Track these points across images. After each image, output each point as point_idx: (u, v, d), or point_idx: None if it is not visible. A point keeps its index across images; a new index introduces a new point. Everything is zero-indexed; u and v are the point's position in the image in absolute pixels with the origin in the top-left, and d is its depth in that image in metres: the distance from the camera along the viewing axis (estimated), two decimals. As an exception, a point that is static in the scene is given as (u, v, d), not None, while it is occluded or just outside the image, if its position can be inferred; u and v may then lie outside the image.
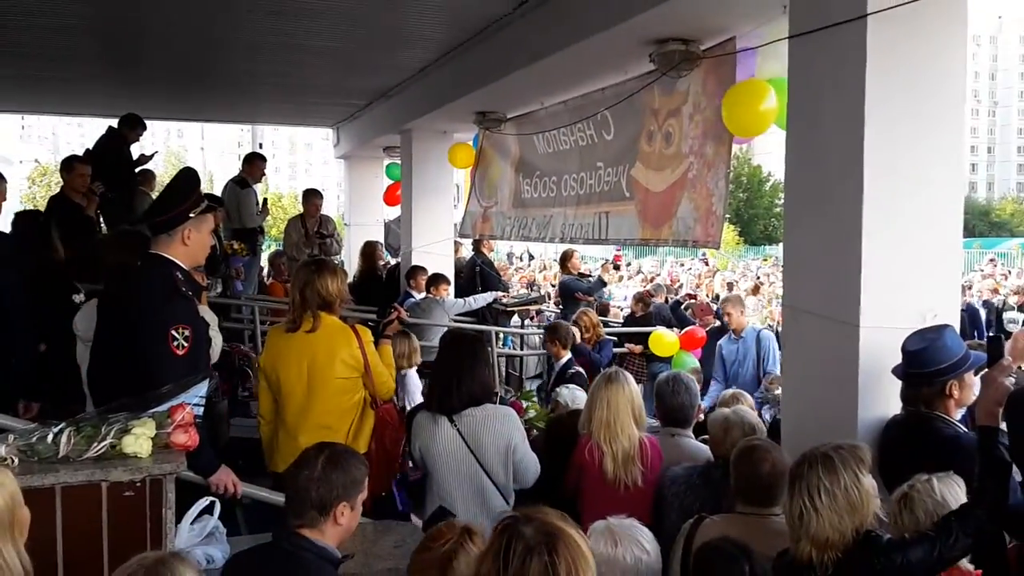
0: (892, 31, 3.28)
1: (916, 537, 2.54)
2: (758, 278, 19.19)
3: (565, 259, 10.37)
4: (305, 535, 2.53)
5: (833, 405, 3.48)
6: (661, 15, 4.71)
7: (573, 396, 4.90)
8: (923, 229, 3.42)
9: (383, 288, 9.95)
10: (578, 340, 7.16)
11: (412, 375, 5.67)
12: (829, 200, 3.52)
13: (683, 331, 8.39)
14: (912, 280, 3.40)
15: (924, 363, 3.20)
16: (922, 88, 3.38)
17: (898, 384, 3.32)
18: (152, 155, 9.36)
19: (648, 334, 8.38)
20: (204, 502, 2.97)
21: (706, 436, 4.12)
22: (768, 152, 38.69)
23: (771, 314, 13.41)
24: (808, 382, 3.68)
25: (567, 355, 6.51)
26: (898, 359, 3.28)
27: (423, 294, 8.67)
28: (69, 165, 7.38)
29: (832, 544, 2.49)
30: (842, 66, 3.42)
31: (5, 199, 4.26)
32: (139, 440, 2.73)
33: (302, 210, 10.33)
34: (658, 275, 20.60)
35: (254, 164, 9.52)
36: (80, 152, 8.16)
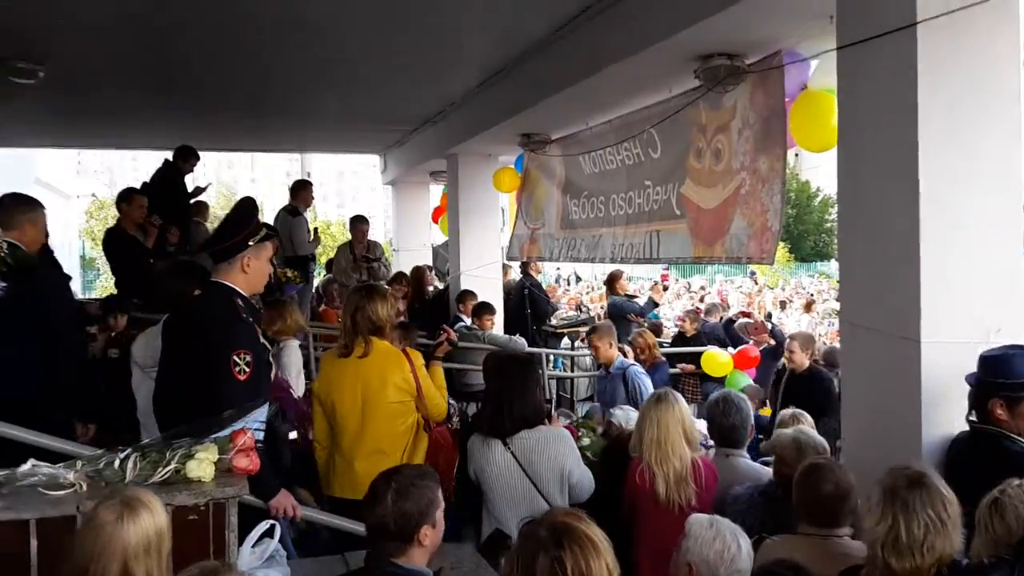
0: (943, 36, 3.22)
1: (995, 561, 2.48)
2: (811, 295, 18.91)
3: (612, 280, 10.33)
4: (394, 561, 2.56)
5: (896, 423, 3.40)
6: (705, 31, 4.70)
7: (627, 417, 4.86)
8: (983, 239, 3.33)
9: (432, 312, 10.01)
10: (632, 360, 7.11)
11: (291, 346, 5.50)
12: (884, 212, 3.45)
13: (736, 350, 8.28)
14: (974, 293, 3.31)
15: (1006, 373, 3.11)
16: (976, 92, 3.30)
17: (962, 400, 3.23)
18: (206, 187, 9.58)
19: (700, 354, 8.29)
20: (264, 525, 3.00)
21: (767, 457, 4.06)
22: (815, 166, 38.12)
23: (829, 333, 13.18)
24: (869, 400, 3.60)
25: (618, 354, 6.40)
26: (961, 375, 3.20)
27: (471, 319, 8.70)
28: (127, 197, 7.57)
29: (920, 569, 2.44)
30: (893, 75, 3.36)
31: (47, 228, 4.39)
32: (202, 465, 2.78)
33: (350, 236, 10.47)
34: (708, 293, 20.38)
35: (304, 191, 9.69)
36: (135, 185, 8.37)
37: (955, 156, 3.28)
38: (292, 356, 5.44)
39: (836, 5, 3.75)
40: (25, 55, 6.58)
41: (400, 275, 10.27)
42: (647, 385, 6.27)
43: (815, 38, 4.51)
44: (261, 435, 3.30)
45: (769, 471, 3.96)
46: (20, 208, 4.21)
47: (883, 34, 3.37)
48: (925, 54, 3.24)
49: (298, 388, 5.27)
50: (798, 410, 4.97)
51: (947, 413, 3.27)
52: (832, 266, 31.84)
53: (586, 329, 11.72)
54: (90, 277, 25.41)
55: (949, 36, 3.23)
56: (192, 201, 9.21)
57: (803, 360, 6.72)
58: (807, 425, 4.36)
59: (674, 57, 5.22)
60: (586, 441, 4.79)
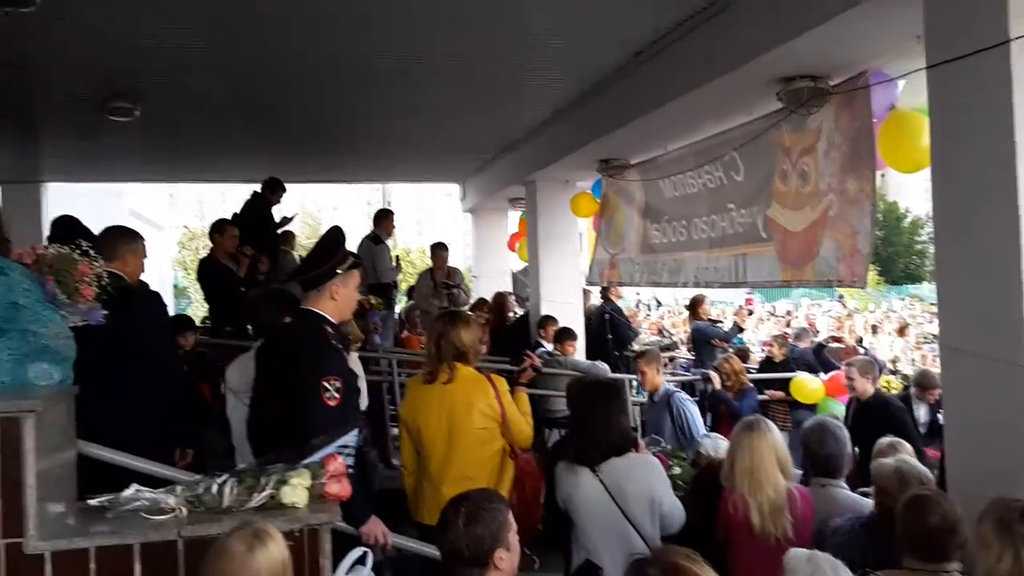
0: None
1: None
2: (904, 319, 18.26)
3: (695, 305, 10.19)
4: None
5: (1003, 452, 3.23)
6: (788, 53, 4.63)
7: (715, 445, 4.76)
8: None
9: (513, 338, 10.03)
10: (718, 384, 6.98)
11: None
12: (982, 232, 3.32)
13: (828, 376, 8.04)
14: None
15: None
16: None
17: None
18: (292, 216, 9.84)
19: (789, 380, 8.08)
20: (357, 552, 3.03)
21: (865, 488, 3.92)
22: (901, 187, 37.00)
23: (923, 358, 12.69)
24: (973, 428, 3.44)
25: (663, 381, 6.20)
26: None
27: (553, 344, 8.68)
28: (220, 228, 7.83)
29: None
30: (986, 93, 3.24)
31: (146, 256, 4.56)
32: (296, 490, 2.83)
33: (431, 263, 10.61)
34: (795, 317, 19.91)
35: (386, 220, 9.89)
36: (225, 216, 8.67)
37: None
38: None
39: (924, 24, 3.65)
40: (122, 95, 6.92)
41: (482, 301, 10.35)
42: (693, 413, 6.11)
43: (903, 57, 4.40)
44: (351, 460, 3.35)
45: (869, 502, 3.81)
46: (122, 239, 4.39)
47: (974, 52, 3.27)
48: (1020, 72, 3.12)
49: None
50: (896, 439, 4.78)
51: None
52: (924, 288, 30.74)
53: (667, 356, 11.62)
54: (182, 305, 26.34)
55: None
56: (280, 231, 9.48)
57: (866, 387, 6.36)
58: (907, 454, 4.18)
59: (756, 80, 5.16)
60: (677, 470, 4.71)
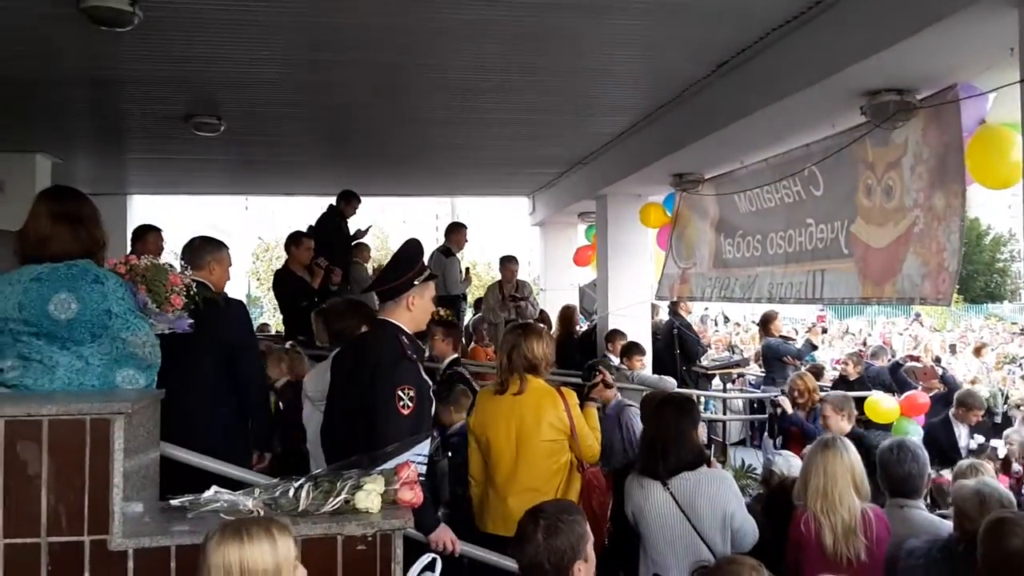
0: None
1: None
2: (981, 340, 17.61)
3: (767, 321, 10.00)
4: None
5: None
6: (872, 67, 4.54)
7: (788, 463, 4.67)
8: None
9: (580, 351, 10.00)
10: (789, 409, 6.81)
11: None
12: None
13: (903, 396, 7.79)
14: None
15: None
16: None
17: None
18: (367, 229, 9.99)
19: (864, 399, 7.85)
20: (426, 559, 3.05)
21: (943, 511, 3.79)
22: (983, 204, 35.82)
23: (1003, 380, 12.22)
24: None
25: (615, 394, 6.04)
26: None
27: (620, 359, 8.61)
28: (296, 239, 8.00)
29: None
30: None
31: (231, 264, 4.68)
32: (370, 496, 2.85)
33: (500, 276, 10.65)
34: (869, 335, 19.39)
35: (457, 233, 9.96)
36: (298, 227, 8.85)
37: None
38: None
39: (1019, 36, 3.54)
40: (207, 110, 7.15)
41: (543, 315, 10.34)
42: (638, 430, 5.81)
43: (993, 70, 4.28)
44: (423, 468, 3.37)
45: (948, 524, 3.70)
46: (208, 248, 4.52)
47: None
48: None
49: None
50: (977, 460, 4.62)
51: None
52: (1005, 308, 29.62)
53: (737, 372, 11.43)
54: (255, 315, 27.01)
55: None
56: (354, 243, 9.64)
57: (841, 425, 5.74)
58: (988, 476, 4.04)
59: (838, 95, 5.06)
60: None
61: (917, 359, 10.05)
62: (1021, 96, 3.56)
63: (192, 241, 4.57)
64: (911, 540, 3.58)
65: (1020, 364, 14.92)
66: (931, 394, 7.80)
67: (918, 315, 22.97)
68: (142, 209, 12.04)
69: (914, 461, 3.96)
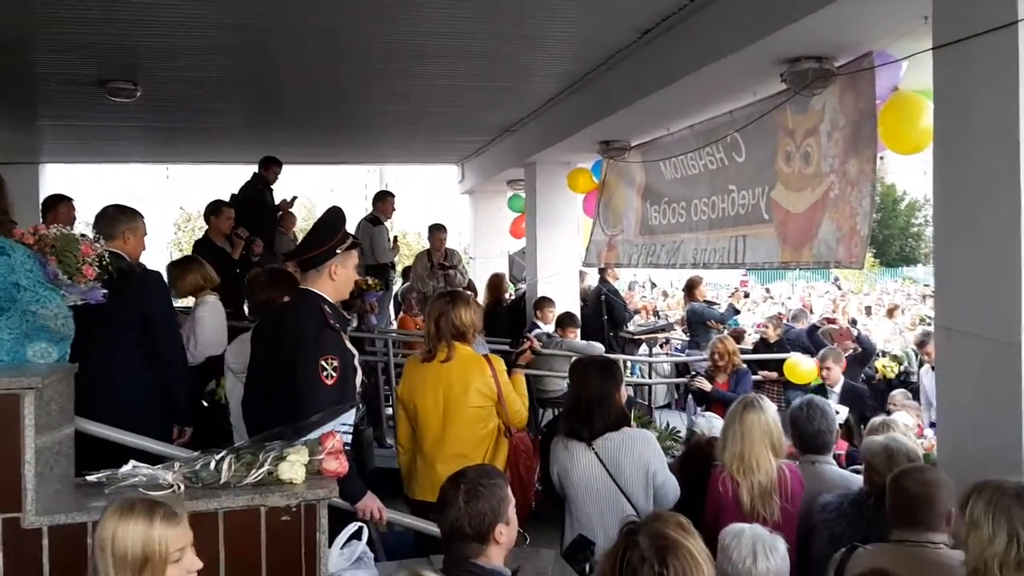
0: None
1: None
2: (894, 302, 18.25)
3: (692, 286, 10.20)
4: (474, 562, 2.59)
5: (994, 431, 3.25)
6: (793, 34, 4.60)
7: (710, 425, 4.79)
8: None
9: (509, 319, 10.05)
10: (707, 388, 6.98)
11: (207, 302, 5.22)
12: (983, 214, 3.32)
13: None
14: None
15: None
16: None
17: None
18: (293, 199, 9.81)
19: (783, 361, 8.10)
20: (353, 527, 3.05)
21: (857, 466, 3.95)
22: (897, 170, 37.00)
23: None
24: (965, 407, 3.46)
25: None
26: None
27: (550, 326, 8.69)
28: (216, 209, 7.79)
29: None
30: (992, 75, 3.24)
31: (146, 234, 4.55)
32: (294, 467, 2.83)
33: (428, 245, 10.61)
34: (790, 299, 19.93)
35: (385, 201, 9.87)
36: (223, 197, 8.63)
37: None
38: (203, 311, 5.18)
39: (932, 5, 3.64)
40: (123, 75, 6.88)
41: (470, 283, 10.36)
42: None
43: (908, 38, 4.38)
44: (348, 438, 3.36)
45: (858, 478, 3.85)
46: (122, 218, 4.38)
47: (982, 33, 3.26)
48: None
49: (216, 346, 5.04)
50: (889, 417, 4.82)
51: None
52: (919, 271, 30.78)
53: (663, 336, 11.64)
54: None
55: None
56: (279, 213, 9.46)
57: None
58: (899, 432, 4.22)
59: (760, 61, 5.13)
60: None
61: (834, 321, 10.37)
62: (933, 63, 3.66)
63: (105, 210, 4.42)
64: (824, 495, 3.72)
65: (929, 323, 15.53)
66: (847, 354, 8.05)
67: (837, 279, 23.68)
68: (56, 179, 11.57)
69: (823, 418, 4.10)
